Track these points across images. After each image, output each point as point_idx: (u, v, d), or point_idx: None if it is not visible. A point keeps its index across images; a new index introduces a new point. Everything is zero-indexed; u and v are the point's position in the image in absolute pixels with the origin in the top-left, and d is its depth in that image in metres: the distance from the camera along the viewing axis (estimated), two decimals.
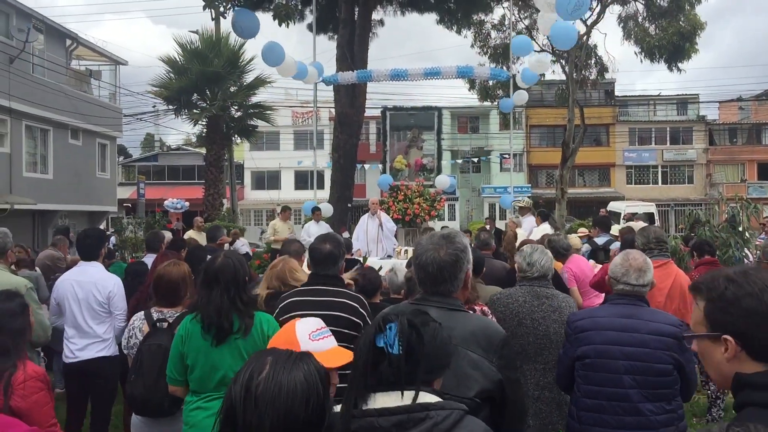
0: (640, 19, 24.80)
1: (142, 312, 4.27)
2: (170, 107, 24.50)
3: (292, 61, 12.20)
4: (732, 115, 47.87)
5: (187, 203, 25.10)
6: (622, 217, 21.04)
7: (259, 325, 3.44)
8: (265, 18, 15.03)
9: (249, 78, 24.86)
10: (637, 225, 9.91)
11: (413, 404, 1.68)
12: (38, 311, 4.74)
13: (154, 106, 30.13)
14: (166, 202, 21.71)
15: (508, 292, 4.20)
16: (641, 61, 25.21)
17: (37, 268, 7.86)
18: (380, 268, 7.13)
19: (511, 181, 17.16)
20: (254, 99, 25.85)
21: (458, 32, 23.85)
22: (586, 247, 9.74)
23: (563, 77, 26.25)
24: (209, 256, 5.62)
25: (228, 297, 3.40)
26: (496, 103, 26.46)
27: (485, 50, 26.10)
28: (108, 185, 28.13)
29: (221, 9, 16.01)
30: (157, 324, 4.06)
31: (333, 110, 21.20)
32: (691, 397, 3.73)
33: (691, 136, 46.62)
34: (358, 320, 3.68)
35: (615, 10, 24.95)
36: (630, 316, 3.45)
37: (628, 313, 3.47)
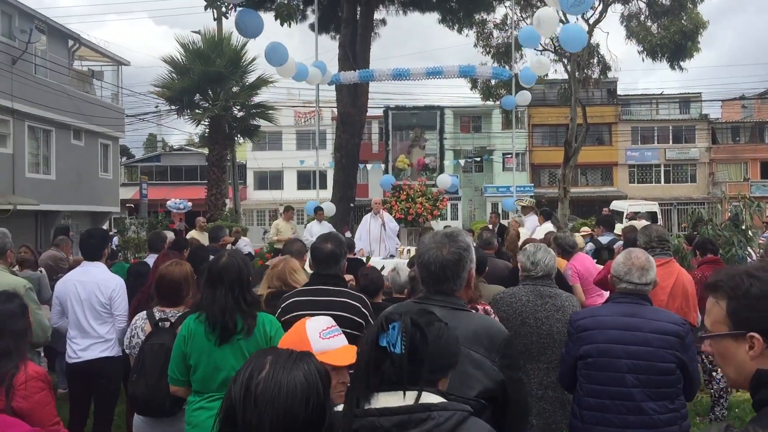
0: (642, 18, 24.77)
1: (144, 312, 4.27)
2: (173, 107, 24.53)
3: (292, 61, 12.20)
4: (735, 114, 47.79)
5: (189, 203, 25.09)
6: (624, 216, 20.99)
7: (262, 326, 3.44)
8: (266, 18, 15.03)
9: (251, 78, 24.92)
10: (640, 224, 9.89)
11: (415, 404, 1.67)
12: (37, 312, 4.74)
13: (156, 107, 30.24)
14: (168, 203, 21.74)
15: (512, 291, 4.18)
16: (643, 60, 25.22)
17: (42, 269, 7.86)
18: (383, 267, 7.13)
19: (513, 180, 17.19)
20: (256, 99, 25.90)
21: (459, 31, 23.86)
22: (589, 246, 9.71)
23: (566, 76, 26.24)
24: (211, 257, 5.64)
25: (232, 297, 3.39)
26: (498, 102, 26.45)
27: (488, 50, 26.09)
28: (111, 186, 28.16)
29: (223, 9, 16.00)
30: (160, 323, 4.06)
31: (335, 110, 21.21)
32: (694, 396, 3.72)
33: (693, 134, 46.54)
34: (360, 320, 3.68)
35: (617, 8, 24.95)
36: (633, 315, 3.44)
37: (630, 311, 3.46)
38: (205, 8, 12.53)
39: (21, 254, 8.09)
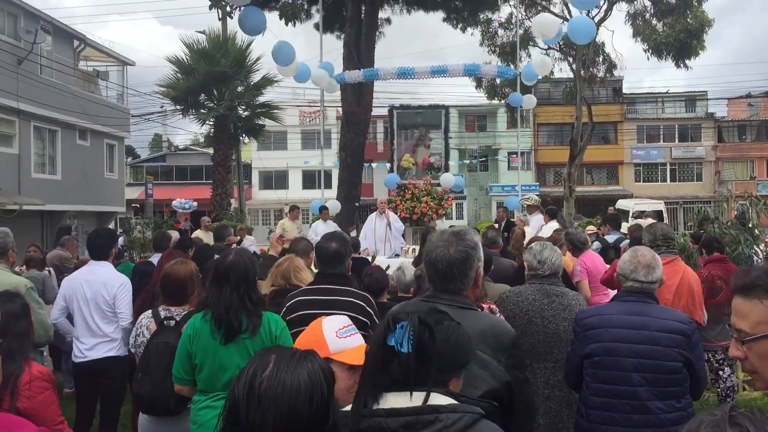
0: (647, 16, 24.72)
1: (150, 311, 4.27)
2: (178, 107, 24.56)
3: (296, 61, 12.19)
4: (741, 112, 47.62)
5: (195, 203, 25.14)
6: (630, 215, 20.96)
7: (267, 325, 3.43)
8: (271, 17, 15.03)
9: (256, 77, 24.92)
10: (647, 222, 9.86)
11: (423, 406, 1.65)
12: (39, 311, 4.75)
13: (161, 107, 30.19)
14: (174, 203, 21.72)
15: (518, 290, 4.17)
16: (648, 59, 25.17)
17: (50, 269, 7.88)
18: (388, 267, 7.12)
19: (518, 179, 17.16)
20: (261, 98, 25.89)
21: (464, 30, 23.82)
22: (596, 244, 9.68)
23: (571, 75, 26.19)
24: (216, 256, 5.63)
25: (237, 295, 3.39)
26: (503, 101, 26.44)
27: (493, 49, 26.07)
28: (116, 186, 28.23)
29: (228, 9, 16.04)
30: (165, 322, 4.06)
31: (340, 109, 21.22)
32: (701, 395, 3.70)
33: (699, 133, 46.41)
34: (365, 319, 3.67)
35: (623, 7, 24.90)
36: (639, 314, 3.42)
37: (637, 310, 3.44)
38: (210, 8, 12.58)
39: (30, 253, 8.12)
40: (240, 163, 30.86)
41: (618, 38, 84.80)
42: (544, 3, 25.12)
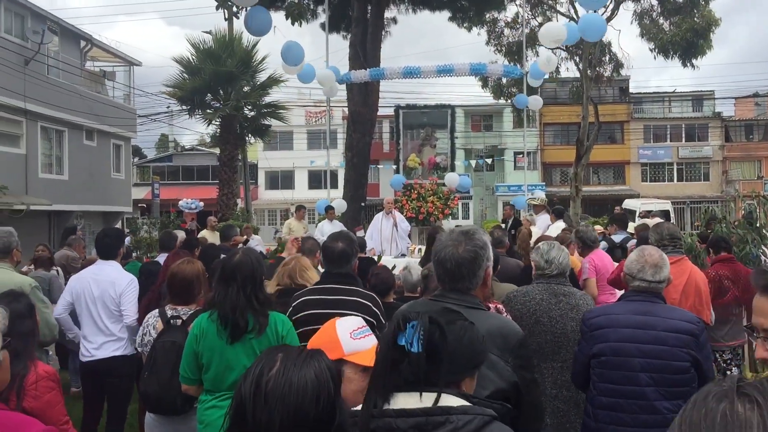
0: (654, 15, 24.64)
1: (157, 310, 4.28)
2: (184, 107, 24.63)
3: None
4: (748, 112, 47.45)
5: (201, 203, 25.21)
6: (637, 214, 20.89)
7: (274, 325, 3.43)
8: (277, 17, 15.04)
9: (262, 77, 24.96)
10: (654, 222, 9.83)
11: (433, 407, 1.63)
12: (44, 310, 4.77)
13: (168, 107, 30.34)
14: (180, 203, 21.74)
15: (525, 290, 4.15)
16: (655, 58, 25.09)
17: (58, 268, 7.90)
18: (394, 266, 7.11)
19: (525, 179, 17.12)
20: (267, 98, 25.94)
21: (469, 30, 23.78)
22: (602, 244, 9.66)
23: (577, 74, 26.12)
24: (222, 255, 5.64)
25: (244, 295, 3.38)
26: (509, 101, 26.39)
27: (499, 48, 26.02)
28: (123, 186, 28.29)
29: (234, 9, 16.07)
30: (171, 321, 4.07)
31: (346, 109, 21.22)
32: None
33: (706, 132, 46.25)
34: (371, 319, 3.66)
35: (629, 6, 24.83)
36: (646, 313, 3.40)
37: (644, 310, 3.42)
38: (217, 8, 12.61)
39: (38, 252, 8.15)
40: (246, 163, 30.92)
41: (625, 37, 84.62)
42: (550, 2, 25.07)
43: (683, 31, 23.39)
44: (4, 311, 2.12)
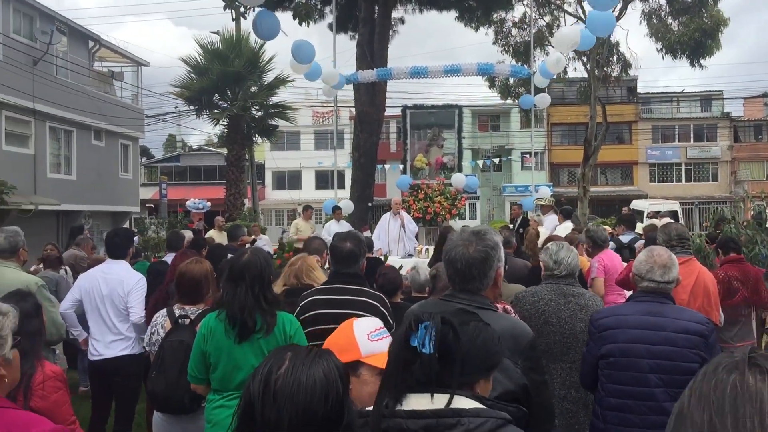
0: (662, 15, 24.55)
1: (165, 309, 4.29)
2: (191, 108, 24.67)
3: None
4: (757, 112, 47.18)
5: (208, 203, 25.29)
6: (645, 215, 20.82)
7: (282, 325, 3.43)
8: (284, 17, 15.06)
9: (269, 78, 24.99)
10: (663, 222, 9.79)
11: (444, 408, 1.60)
12: (51, 309, 4.78)
13: (175, 107, 30.40)
14: (188, 203, 21.86)
15: (534, 291, 4.13)
16: (663, 58, 25.00)
17: (66, 267, 7.93)
18: (401, 267, 7.11)
19: (532, 179, 17.06)
20: (275, 99, 25.97)
21: (477, 30, 23.74)
22: (610, 245, 9.63)
23: (585, 74, 26.06)
24: (229, 255, 5.65)
25: (252, 294, 3.38)
26: (517, 101, 26.36)
27: (506, 48, 25.98)
28: (130, 186, 28.39)
29: (242, 10, 16.10)
30: (179, 320, 4.07)
31: (353, 109, 21.22)
32: None
33: (715, 133, 46.04)
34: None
35: (637, 6, 24.75)
36: (655, 314, 3.38)
37: (653, 310, 3.40)
38: (224, 8, 12.64)
39: (47, 251, 8.19)
40: (253, 163, 30.98)
41: (633, 37, 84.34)
42: (558, 2, 25.02)
43: (691, 31, 23.31)
44: (15, 311, 2.13)
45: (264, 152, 45.89)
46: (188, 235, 8.92)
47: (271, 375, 1.55)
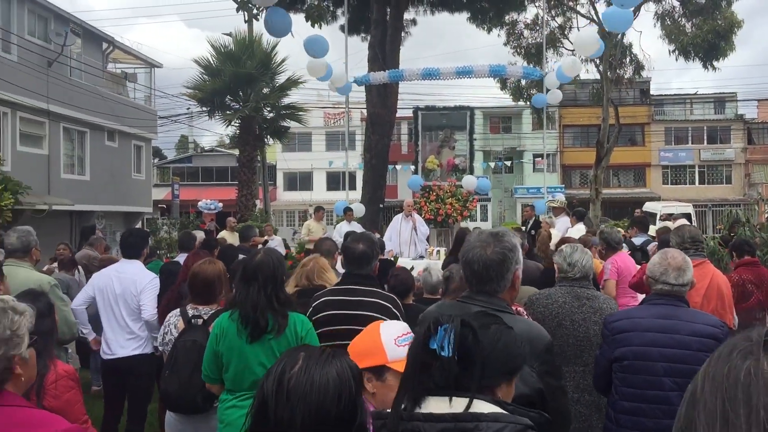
0: (676, 16, 24.43)
1: (178, 309, 4.31)
2: (204, 109, 24.76)
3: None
4: None
5: (220, 204, 25.39)
6: (658, 217, 20.70)
7: (293, 326, 3.43)
8: (297, 19, 15.07)
9: (281, 79, 25.04)
10: (676, 224, 9.73)
11: (463, 413, 1.58)
12: (63, 308, 4.80)
13: (188, 108, 30.49)
14: (200, 203, 21.92)
15: (548, 293, 4.11)
16: (676, 60, 24.88)
17: (80, 267, 7.97)
18: (411, 268, 7.10)
19: (544, 181, 17.02)
20: (286, 100, 26.02)
21: (489, 31, 23.70)
22: (623, 247, 9.57)
23: (597, 76, 25.96)
24: (241, 256, 5.66)
25: (265, 294, 3.39)
26: (528, 103, 26.29)
27: (518, 50, 25.93)
28: (143, 186, 28.53)
29: (254, 11, 16.16)
30: (192, 320, 4.09)
31: (365, 111, 21.23)
32: None
33: (729, 135, 45.71)
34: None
35: (651, 7, 24.63)
36: (670, 317, 3.35)
37: (667, 313, 3.38)
38: (237, 10, 12.68)
39: (60, 251, 8.23)
40: (265, 164, 31.01)
41: (646, 39, 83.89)
42: (570, 4, 24.93)
43: (704, 33, 23.17)
44: (31, 310, 2.15)
45: (275, 153, 46.01)
46: (200, 235, 8.96)
47: (284, 374, 1.56)
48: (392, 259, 9.63)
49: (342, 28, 18.17)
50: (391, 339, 2.27)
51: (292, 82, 24.99)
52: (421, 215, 12.70)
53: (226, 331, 3.45)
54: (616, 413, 3.41)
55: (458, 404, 1.60)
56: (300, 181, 50.12)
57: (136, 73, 28.37)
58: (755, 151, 45.35)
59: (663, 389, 3.25)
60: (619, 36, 23.55)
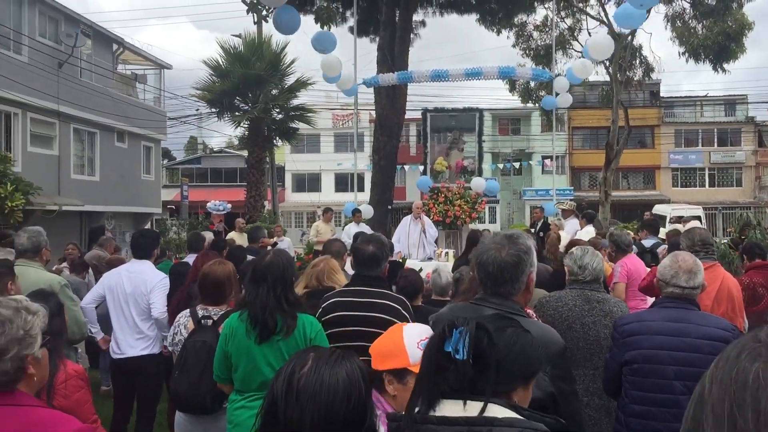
0: (686, 18, 24.32)
1: (188, 310, 4.32)
2: (213, 110, 24.86)
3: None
4: None
5: (229, 205, 25.44)
6: (668, 220, 20.62)
7: (302, 327, 3.43)
8: (306, 21, 15.09)
9: (290, 81, 25.10)
10: (686, 227, 9.68)
11: (477, 417, 1.56)
12: (73, 308, 4.82)
13: (197, 109, 30.59)
14: (208, 204, 21.99)
15: (558, 295, 4.09)
16: (687, 62, 24.76)
17: (90, 270, 8.00)
18: (420, 270, 7.09)
19: (553, 183, 16.98)
20: (295, 101, 26.09)
21: (498, 33, 23.68)
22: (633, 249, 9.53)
23: (607, 78, 25.88)
24: (249, 257, 5.67)
25: (274, 295, 3.40)
26: (537, 104, 26.25)
27: (527, 52, 25.88)
28: (152, 187, 28.63)
29: (264, 13, 16.18)
30: (202, 321, 4.10)
31: (373, 112, 21.24)
32: None
33: (739, 137, 45.46)
34: (399, 322, 3.64)
35: (661, 9, 24.54)
36: (680, 320, 3.33)
37: (678, 316, 3.36)
38: (247, 12, 12.70)
39: (68, 251, 8.25)
40: (273, 165, 31.09)
41: (656, 41, 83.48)
42: (580, 5, 24.87)
43: (715, 35, 23.07)
44: (44, 310, 2.16)
45: (284, 155, 46.08)
46: (209, 236, 8.97)
47: (294, 374, 1.56)
48: (401, 260, 9.62)
49: (351, 29, 18.21)
50: (413, 342, 2.26)
51: (301, 84, 25.05)
52: (429, 217, 12.68)
53: (235, 331, 3.46)
54: (626, 417, 3.39)
55: (472, 408, 1.58)
56: (308, 182, 50.20)
57: (145, 74, 28.50)
58: (766, 154, 45.07)
59: (673, 393, 3.23)
60: (629, 38, 23.49)
